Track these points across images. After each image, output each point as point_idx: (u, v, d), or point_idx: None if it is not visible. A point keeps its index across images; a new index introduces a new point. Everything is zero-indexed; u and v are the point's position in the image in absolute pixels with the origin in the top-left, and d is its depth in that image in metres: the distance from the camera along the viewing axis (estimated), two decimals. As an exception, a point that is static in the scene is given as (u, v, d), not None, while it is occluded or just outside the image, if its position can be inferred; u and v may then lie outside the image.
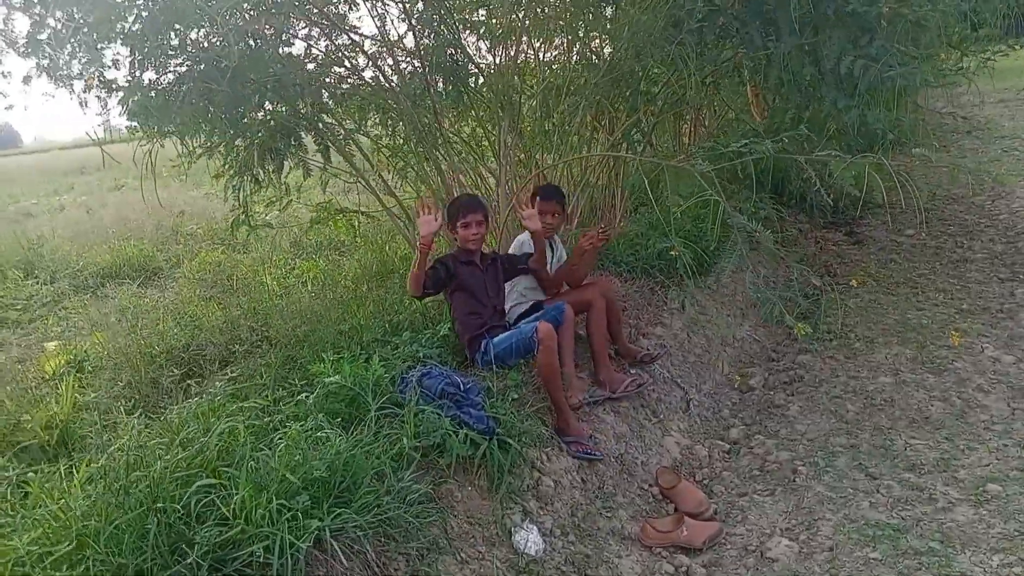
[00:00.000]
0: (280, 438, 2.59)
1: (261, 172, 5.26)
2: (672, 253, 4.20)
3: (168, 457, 2.39)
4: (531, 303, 4.12)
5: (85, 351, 4.47)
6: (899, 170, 4.12)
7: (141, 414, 3.30)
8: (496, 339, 3.66)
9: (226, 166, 5.27)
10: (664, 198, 5.88)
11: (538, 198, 4.14)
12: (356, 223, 5.80)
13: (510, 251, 4.24)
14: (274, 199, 5.32)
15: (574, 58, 5.76)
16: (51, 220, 10.74)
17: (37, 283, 7.00)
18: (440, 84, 5.45)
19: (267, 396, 3.08)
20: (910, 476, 3.39)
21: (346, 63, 5.54)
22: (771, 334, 5.48)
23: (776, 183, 7.30)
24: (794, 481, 3.54)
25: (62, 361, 4.28)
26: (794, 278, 4.89)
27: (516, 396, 3.39)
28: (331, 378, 3.11)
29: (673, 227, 4.18)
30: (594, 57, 5.62)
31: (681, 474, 3.66)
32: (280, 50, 4.96)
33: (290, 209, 6.65)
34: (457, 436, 2.94)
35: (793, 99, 5.48)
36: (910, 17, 4.12)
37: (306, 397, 3.07)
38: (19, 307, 6.42)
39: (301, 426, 2.67)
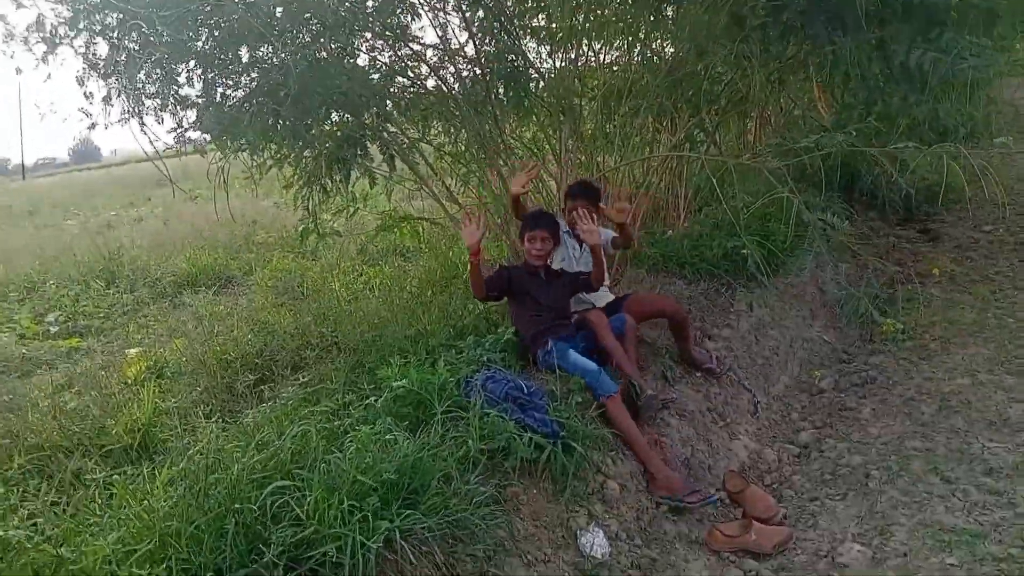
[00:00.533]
0: (350, 441, 2.66)
1: (329, 182, 5.41)
2: (743, 252, 4.14)
3: (244, 460, 2.48)
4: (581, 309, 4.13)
5: (164, 357, 4.65)
6: (976, 161, 3.99)
7: (218, 418, 3.43)
8: (569, 351, 3.64)
9: (295, 177, 5.44)
10: (730, 197, 5.84)
11: (568, 199, 4.17)
12: (420, 229, 5.89)
13: None
14: (341, 208, 5.44)
15: (635, 59, 5.76)
16: (130, 231, 11.19)
17: (118, 292, 7.31)
18: (501, 90, 5.50)
19: (337, 400, 3.16)
20: (988, 480, 3.28)
21: (409, 73, 5.65)
22: (842, 335, 5.36)
23: (845, 180, 7.14)
24: (867, 485, 3.45)
25: (143, 367, 4.47)
26: (870, 275, 4.77)
27: (580, 400, 3.39)
28: (398, 382, 3.17)
29: (742, 226, 4.13)
30: (655, 58, 5.60)
31: (749, 478, 3.62)
32: (345, 62, 5.10)
33: (357, 217, 6.82)
34: (522, 439, 2.97)
35: (861, 95, 5.36)
36: (982, 6, 3.99)
37: (374, 401, 3.14)
38: (102, 315, 6.72)
39: (370, 429, 2.72)
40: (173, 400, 3.72)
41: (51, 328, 6.47)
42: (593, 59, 5.96)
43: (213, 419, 3.26)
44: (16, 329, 6.46)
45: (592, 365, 3.56)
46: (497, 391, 3.25)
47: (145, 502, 2.35)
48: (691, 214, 6.52)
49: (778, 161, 4.06)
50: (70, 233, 12.47)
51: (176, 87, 4.36)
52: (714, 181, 4.30)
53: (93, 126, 4.49)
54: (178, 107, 4.41)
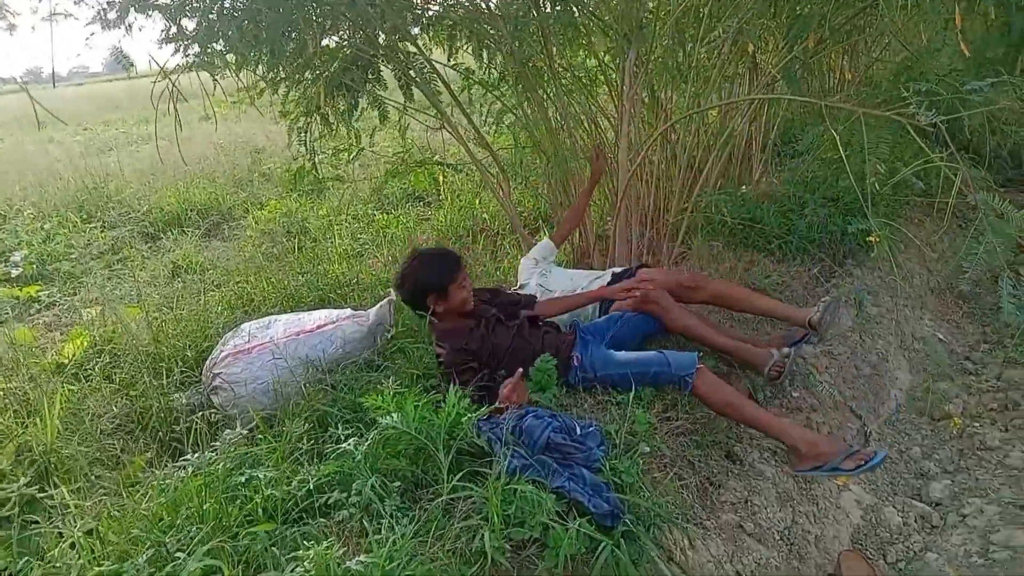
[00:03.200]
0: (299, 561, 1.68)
1: (330, 112, 4.38)
2: (871, 240, 3.07)
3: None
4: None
5: (113, 332, 3.69)
6: None
7: (155, 453, 2.50)
8: (601, 354, 2.81)
9: (292, 104, 4.42)
10: (820, 151, 4.77)
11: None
12: (440, 176, 4.84)
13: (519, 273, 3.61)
14: (343, 147, 4.40)
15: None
16: (132, 153, 10.21)
17: (96, 228, 6.36)
18: (548, 5, 4.37)
19: (297, 452, 2.19)
20: None
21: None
22: (960, 332, 4.29)
23: (947, 130, 5.95)
24: (1042, 583, 2.46)
25: (83, 344, 3.54)
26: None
27: (648, 449, 2.40)
28: (388, 420, 2.20)
29: (869, 198, 3.04)
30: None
31: (870, 557, 2.64)
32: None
33: (367, 154, 5.80)
34: (565, 527, 1.99)
35: (1018, 26, 4.15)
36: None
37: (355, 446, 2.18)
38: (73, 257, 5.80)
39: (322, 550, 1.73)
40: (88, 418, 2.74)
41: (12, 271, 5.57)
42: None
43: (131, 465, 2.31)
44: (-29, 270, 5.58)
45: (650, 353, 2.76)
46: (534, 434, 2.27)
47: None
48: (768, 168, 5.41)
49: (922, 112, 2.94)
50: (73, 151, 11.57)
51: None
52: (838, 135, 3.16)
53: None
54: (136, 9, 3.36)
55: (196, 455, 2.12)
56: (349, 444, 2.18)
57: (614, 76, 4.37)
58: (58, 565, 1.62)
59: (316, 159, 4.54)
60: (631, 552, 2.04)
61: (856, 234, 3.85)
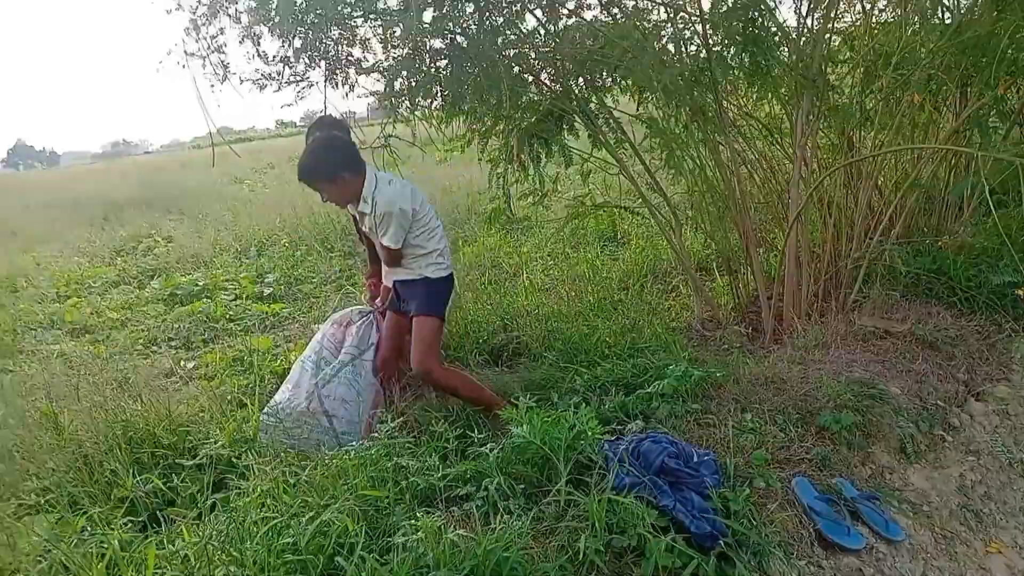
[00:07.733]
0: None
1: (527, 159, 4.84)
2: (1020, 293, 2.96)
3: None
4: None
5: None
6: None
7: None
8: None
9: (496, 151, 4.93)
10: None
11: None
12: (618, 218, 5.13)
13: None
14: (530, 191, 4.84)
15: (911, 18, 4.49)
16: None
17: (337, 256, 7.32)
18: (733, 55, 4.52)
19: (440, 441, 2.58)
20: None
21: (635, 34, 4.85)
22: None
23: None
24: None
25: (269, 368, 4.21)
26: None
27: (764, 485, 2.51)
28: (518, 430, 2.52)
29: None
30: (945, 14, 4.32)
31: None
32: (550, 26, 4.46)
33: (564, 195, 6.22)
34: (662, 538, 2.18)
35: None
36: None
37: (489, 450, 2.52)
38: (314, 280, 6.74)
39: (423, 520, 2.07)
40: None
41: (264, 290, 6.60)
42: (860, 19, 4.78)
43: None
44: (236, 288, 6.67)
45: None
46: (650, 456, 2.49)
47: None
48: (974, 220, 5.10)
49: None
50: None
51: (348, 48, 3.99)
52: None
53: (279, 88, 4.24)
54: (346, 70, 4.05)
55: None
56: (485, 448, 2.53)
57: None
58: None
59: (511, 201, 5.02)
60: (728, 570, 2.19)
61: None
